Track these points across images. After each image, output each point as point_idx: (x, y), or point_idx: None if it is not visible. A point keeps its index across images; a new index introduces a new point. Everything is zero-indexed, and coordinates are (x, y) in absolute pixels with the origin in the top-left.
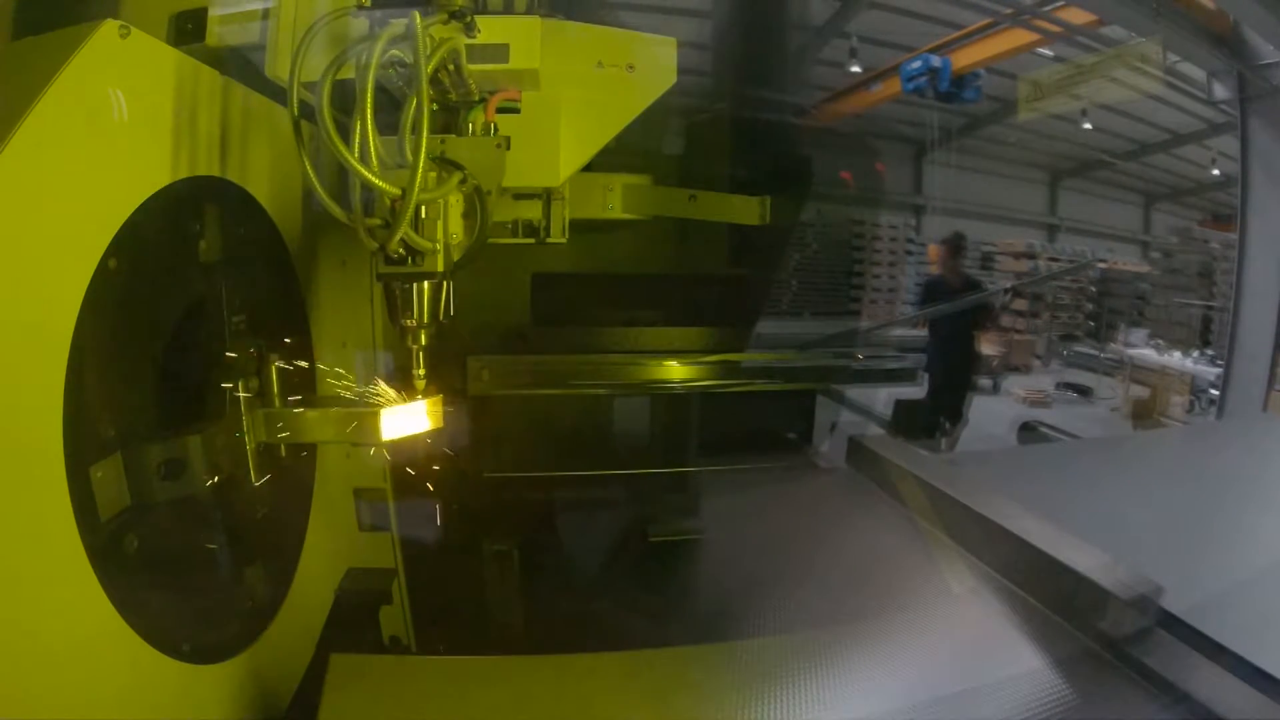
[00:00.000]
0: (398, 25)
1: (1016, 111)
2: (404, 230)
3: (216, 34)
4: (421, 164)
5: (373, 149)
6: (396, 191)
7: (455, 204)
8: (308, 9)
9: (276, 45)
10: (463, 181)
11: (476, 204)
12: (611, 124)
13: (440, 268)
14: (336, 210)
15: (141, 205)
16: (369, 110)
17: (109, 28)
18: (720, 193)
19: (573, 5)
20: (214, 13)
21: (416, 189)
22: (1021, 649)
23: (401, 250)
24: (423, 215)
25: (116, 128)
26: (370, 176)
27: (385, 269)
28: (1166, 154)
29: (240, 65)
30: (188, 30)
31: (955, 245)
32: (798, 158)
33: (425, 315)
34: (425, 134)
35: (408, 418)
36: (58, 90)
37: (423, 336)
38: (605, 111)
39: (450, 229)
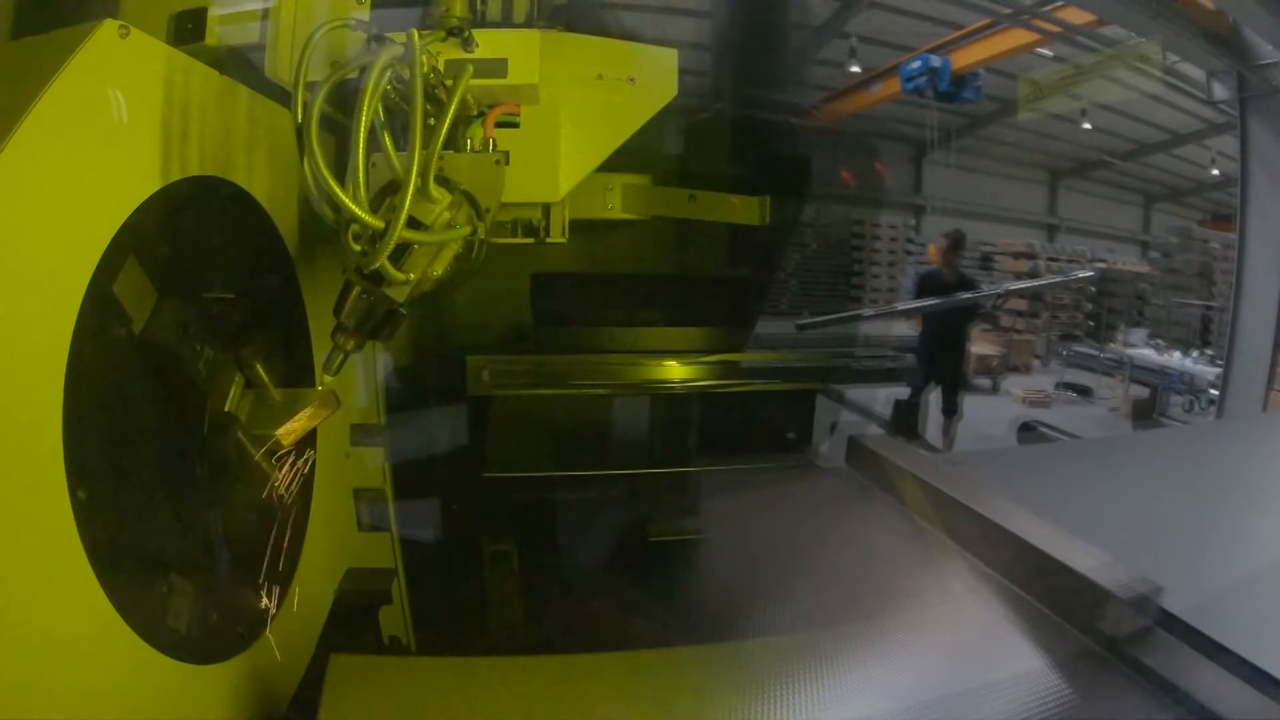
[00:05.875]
0: (396, 47)
1: (1016, 111)
2: (382, 262)
3: (216, 34)
4: (405, 210)
5: (362, 183)
6: (379, 225)
7: (453, 245)
8: (307, 9)
9: (276, 45)
10: (472, 233)
11: (474, 219)
12: (612, 137)
13: (401, 299)
14: (327, 213)
15: (141, 205)
16: (361, 141)
17: (108, 28)
18: (720, 193)
19: (573, 12)
20: (214, 13)
21: (398, 229)
22: (1021, 649)
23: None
24: (415, 248)
25: (116, 128)
26: (357, 210)
27: (352, 275)
28: (1166, 154)
29: (240, 65)
30: (187, 30)
31: (955, 241)
32: (797, 158)
33: (365, 330)
34: (411, 188)
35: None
36: (57, 90)
37: (349, 344)
38: (606, 124)
39: (435, 266)
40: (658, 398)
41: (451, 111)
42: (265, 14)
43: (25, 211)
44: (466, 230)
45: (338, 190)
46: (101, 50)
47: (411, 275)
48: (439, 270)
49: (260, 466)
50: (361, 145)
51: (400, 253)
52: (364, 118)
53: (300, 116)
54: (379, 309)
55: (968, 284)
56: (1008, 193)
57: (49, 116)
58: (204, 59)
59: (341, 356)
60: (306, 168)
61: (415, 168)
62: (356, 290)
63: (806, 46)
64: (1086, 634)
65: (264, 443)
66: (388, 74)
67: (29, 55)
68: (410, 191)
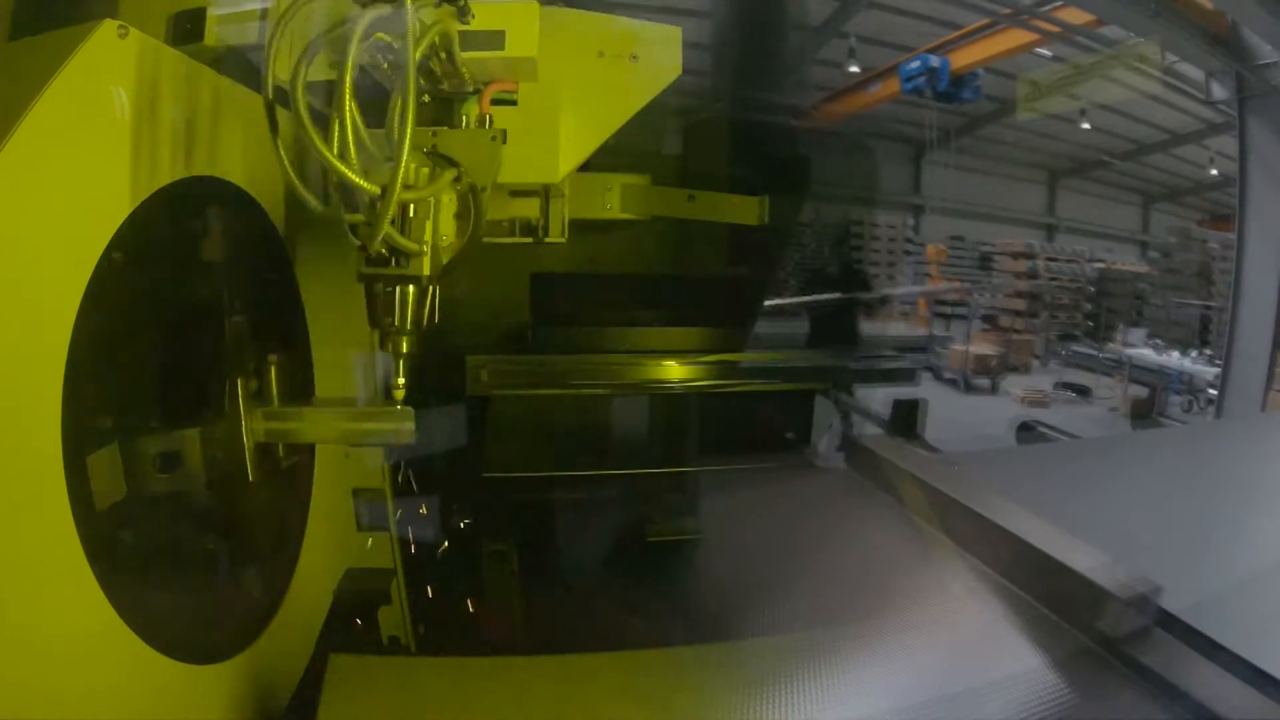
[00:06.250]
0: (382, 7)
1: (1015, 111)
2: (385, 230)
3: (215, 34)
4: (404, 160)
5: (351, 143)
6: (376, 190)
7: (448, 203)
8: (306, 9)
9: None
10: (457, 179)
11: (470, 201)
12: (613, 117)
13: (426, 271)
14: (311, 200)
15: (140, 205)
16: (348, 100)
17: (107, 28)
18: (719, 193)
19: None
20: (213, 13)
21: (398, 187)
22: (1021, 649)
23: (384, 250)
24: (411, 214)
25: (115, 127)
26: (348, 173)
27: (367, 269)
28: (1165, 154)
29: (239, 65)
30: (186, 30)
31: (837, 238)
32: (796, 158)
33: (408, 321)
34: (410, 125)
35: (387, 426)
36: (56, 90)
37: (404, 343)
38: (607, 104)
39: (441, 230)
40: (656, 398)
41: (424, 44)
42: (264, 14)
43: (24, 211)
44: (455, 171)
45: (328, 153)
46: (100, 50)
47: (426, 240)
48: (448, 232)
49: (259, 468)
50: (349, 113)
51: (401, 221)
52: (348, 83)
53: (270, 90)
54: (410, 292)
55: (854, 275)
56: (1007, 193)
57: (48, 116)
58: (203, 59)
59: (402, 361)
60: (282, 152)
61: (410, 123)
62: (380, 286)
63: (805, 46)
64: (1085, 634)
65: (269, 446)
66: (373, 37)
67: (28, 55)
68: (408, 142)
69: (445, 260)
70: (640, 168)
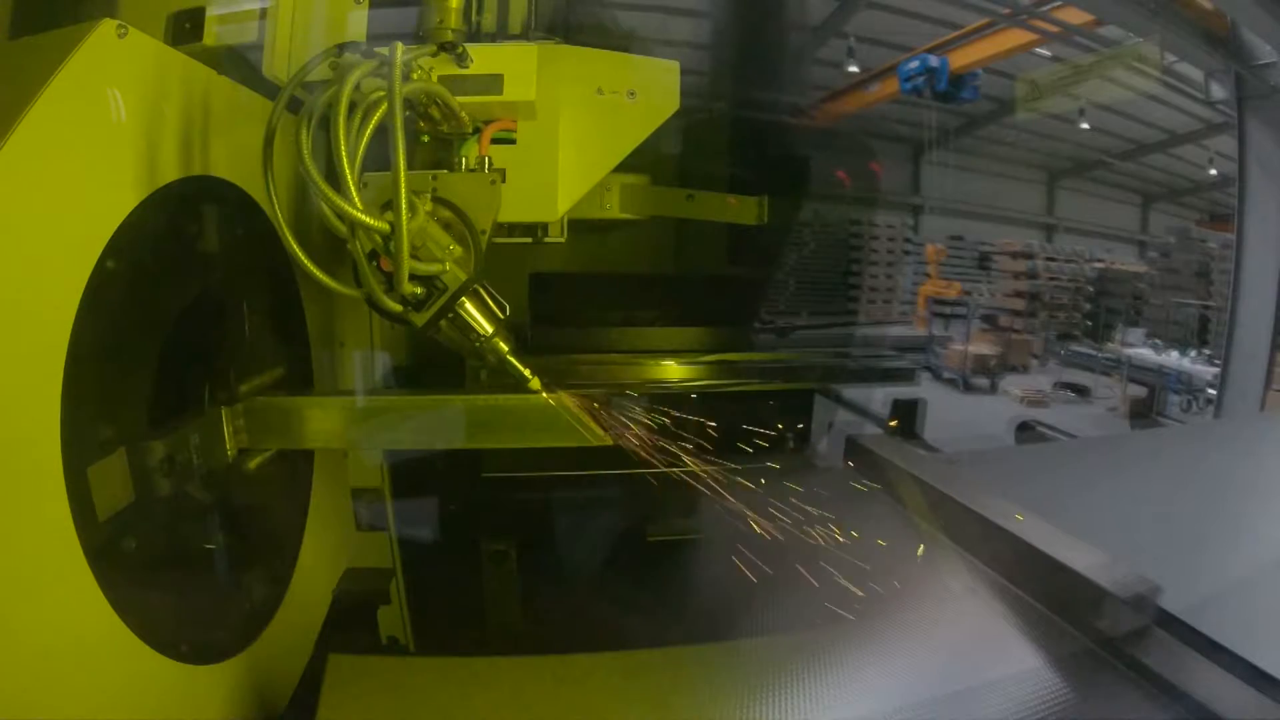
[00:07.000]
0: (367, 65)
1: (1014, 111)
2: (408, 266)
3: (214, 33)
4: (404, 195)
5: (354, 191)
6: (386, 228)
7: (429, 223)
8: (305, 8)
9: (274, 45)
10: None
11: (470, 242)
12: (612, 153)
13: (464, 275)
14: (352, 291)
15: (139, 205)
16: (344, 151)
17: (106, 27)
18: (718, 192)
19: (570, 23)
20: (212, 12)
21: (404, 220)
22: (1020, 648)
23: (418, 290)
24: (417, 244)
25: (114, 127)
26: (362, 216)
27: (420, 318)
28: (1164, 154)
29: (238, 65)
30: (185, 30)
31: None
32: (795, 158)
33: (487, 326)
34: (403, 168)
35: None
36: (55, 90)
37: (501, 345)
38: (606, 140)
39: (441, 241)
40: (655, 398)
41: (397, 97)
42: (263, 13)
43: (23, 211)
44: (432, 187)
45: (341, 201)
46: (99, 50)
47: (452, 248)
48: (446, 240)
49: (257, 467)
50: (345, 158)
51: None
52: (340, 133)
53: (272, 190)
54: (468, 304)
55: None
56: (1006, 193)
57: (46, 116)
58: (202, 59)
59: (518, 366)
60: (274, 203)
61: (402, 165)
62: (443, 323)
63: (805, 46)
64: (1084, 633)
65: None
66: (358, 87)
67: (27, 55)
68: (403, 180)
69: (479, 261)
70: (639, 167)
